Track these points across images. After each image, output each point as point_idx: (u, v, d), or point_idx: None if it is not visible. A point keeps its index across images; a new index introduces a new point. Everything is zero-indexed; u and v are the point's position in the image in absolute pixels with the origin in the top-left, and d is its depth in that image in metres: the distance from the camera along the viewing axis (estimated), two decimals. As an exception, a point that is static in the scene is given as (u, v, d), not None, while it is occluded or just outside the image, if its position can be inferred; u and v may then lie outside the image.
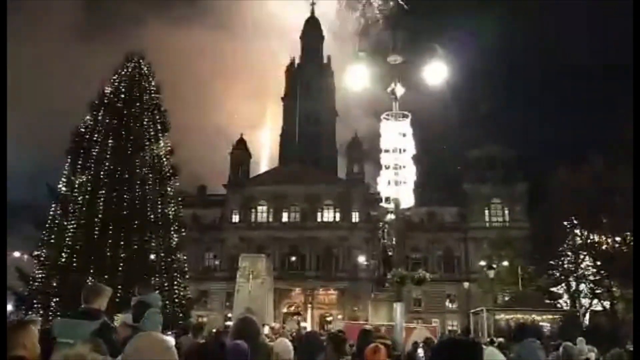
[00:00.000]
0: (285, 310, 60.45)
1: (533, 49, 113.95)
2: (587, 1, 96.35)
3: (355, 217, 63.26)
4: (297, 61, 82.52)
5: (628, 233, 33.86)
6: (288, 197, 63.85)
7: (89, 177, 23.79)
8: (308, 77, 77.40)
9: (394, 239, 11.24)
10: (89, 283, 5.57)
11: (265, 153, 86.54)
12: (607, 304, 37.04)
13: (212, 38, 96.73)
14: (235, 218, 64.54)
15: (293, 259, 62.60)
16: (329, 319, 58.26)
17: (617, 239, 35.23)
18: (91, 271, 21.29)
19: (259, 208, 65.05)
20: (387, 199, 10.20)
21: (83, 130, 24.89)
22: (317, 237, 62.55)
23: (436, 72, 10.08)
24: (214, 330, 18.19)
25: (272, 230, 62.88)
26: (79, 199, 23.44)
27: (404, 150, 10.25)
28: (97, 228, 22.75)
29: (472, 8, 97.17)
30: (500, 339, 16.44)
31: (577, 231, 39.21)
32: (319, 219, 64.15)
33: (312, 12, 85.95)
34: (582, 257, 39.16)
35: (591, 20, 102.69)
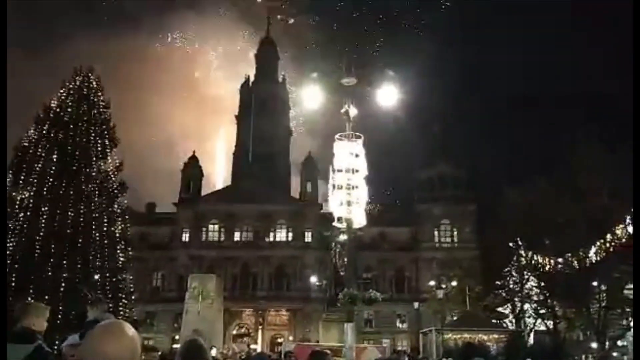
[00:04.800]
0: (235, 331, 59.35)
1: (487, 73, 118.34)
2: (542, 28, 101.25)
3: (308, 236, 63.12)
4: (251, 79, 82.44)
5: (569, 254, 35.20)
6: (240, 215, 63.15)
7: (31, 192, 22.81)
8: (263, 96, 77.35)
9: (345, 259, 11.26)
10: (26, 302, 5.19)
11: (217, 171, 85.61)
12: (550, 323, 38.23)
13: (165, 53, 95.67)
14: (186, 237, 63.16)
15: (244, 278, 61.72)
16: (279, 340, 57.52)
17: (560, 259, 36.57)
18: (31, 291, 20.29)
19: (210, 227, 63.97)
20: (340, 219, 10.24)
21: (26, 144, 23.92)
22: (269, 257, 61.99)
23: (388, 94, 10.29)
24: (159, 353, 17.64)
25: (223, 249, 61.86)
26: (20, 215, 22.41)
27: (357, 171, 10.35)
28: (38, 246, 21.76)
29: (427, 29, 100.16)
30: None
31: (522, 252, 40.48)
32: (271, 239, 63.65)
33: (268, 31, 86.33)
34: (526, 277, 40.38)
35: (544, 48, 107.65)
